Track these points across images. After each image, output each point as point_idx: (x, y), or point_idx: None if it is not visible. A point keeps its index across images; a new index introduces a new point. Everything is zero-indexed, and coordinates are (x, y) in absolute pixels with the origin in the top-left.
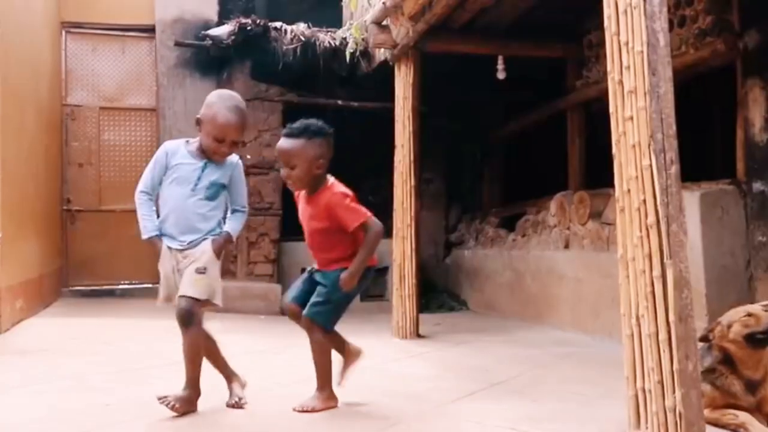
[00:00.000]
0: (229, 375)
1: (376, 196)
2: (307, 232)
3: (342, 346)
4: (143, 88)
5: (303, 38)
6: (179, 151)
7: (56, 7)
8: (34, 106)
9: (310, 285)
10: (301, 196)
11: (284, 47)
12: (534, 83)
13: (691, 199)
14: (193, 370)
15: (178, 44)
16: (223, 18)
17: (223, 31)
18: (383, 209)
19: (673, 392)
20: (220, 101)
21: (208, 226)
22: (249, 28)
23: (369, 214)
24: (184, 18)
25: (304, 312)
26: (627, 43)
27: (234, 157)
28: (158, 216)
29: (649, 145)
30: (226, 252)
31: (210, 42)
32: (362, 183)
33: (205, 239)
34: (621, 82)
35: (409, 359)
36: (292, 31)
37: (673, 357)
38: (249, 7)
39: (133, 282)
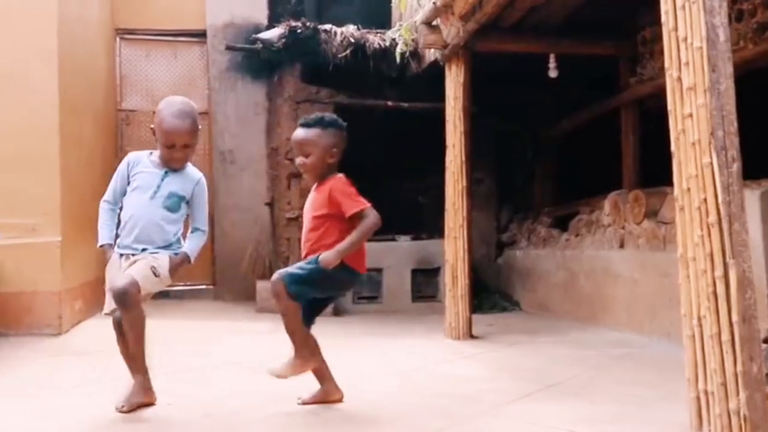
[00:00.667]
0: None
1: (427, 196)
2: (305, 224)
3: (325, 380)
4: (195, 92)
5: (353, 40)
6: (141, 161)
7: (110, 14)
8: (91, 112)
9: None
10: (311, 192)
11: (334, 49)
12: (586, 81)
13: (752, 198)
14: (140, 353)
15: (229, 48)
16: (273, 22)
17: (273, 34)
18: (434, 210)
19: (737, 395)
20: (166, 107)
21: (164, 238)
22: (299, 31)
23: (369, 204)
24: (235, 22)
25: (274, 276)
26: (686, 39)
27: (197, 174)
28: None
29: (709, 143)
30: (278, 253)
31: (260, 45)
32: (412, 184)
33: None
34: (680, 79)
35: (463, 360)
36: (341, 33)
37: (737, 358)
38: (298, 10)
39: (188, 284)
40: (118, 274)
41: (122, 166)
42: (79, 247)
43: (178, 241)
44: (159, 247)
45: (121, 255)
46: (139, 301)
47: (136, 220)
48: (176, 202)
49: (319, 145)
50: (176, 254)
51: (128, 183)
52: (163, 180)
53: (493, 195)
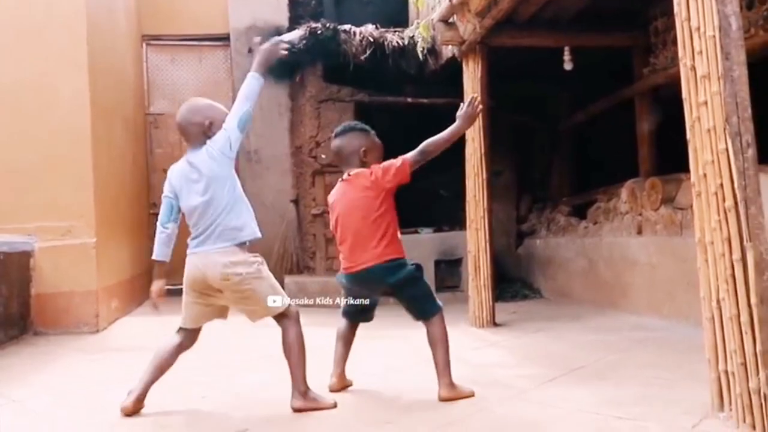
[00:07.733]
0: None
1: (447, 189)
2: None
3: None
4: (220, 94)
5: (372, 39)
6: None
7: (137, 21)
8: (121, 116)
9: None
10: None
11: (354, 49)
12: (601, 72)
13: (766, 181)
14: None
15: (252, 51)
16: (293, 23)
17: (294, 35)
18: (455, 202)
19: (757, 374)
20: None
21: None
22: (319, 32)
23: None
24: (257, 25)
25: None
26: (698, 29)
27: None
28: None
29: (724, 129)
30: (305, 249)
31: None
32: (433, 177)
33: None
34: (693, 68)
35: (488, 347)
36: (360, 33)
37: (756, 339)
38: (318, 11)
39: None
40: None
41: None
42: (113, 247)
43: None
44: None
45: None
46: None
47: None
48: None
49: None
50: None
51: None
52: None
53: (512, 186)
